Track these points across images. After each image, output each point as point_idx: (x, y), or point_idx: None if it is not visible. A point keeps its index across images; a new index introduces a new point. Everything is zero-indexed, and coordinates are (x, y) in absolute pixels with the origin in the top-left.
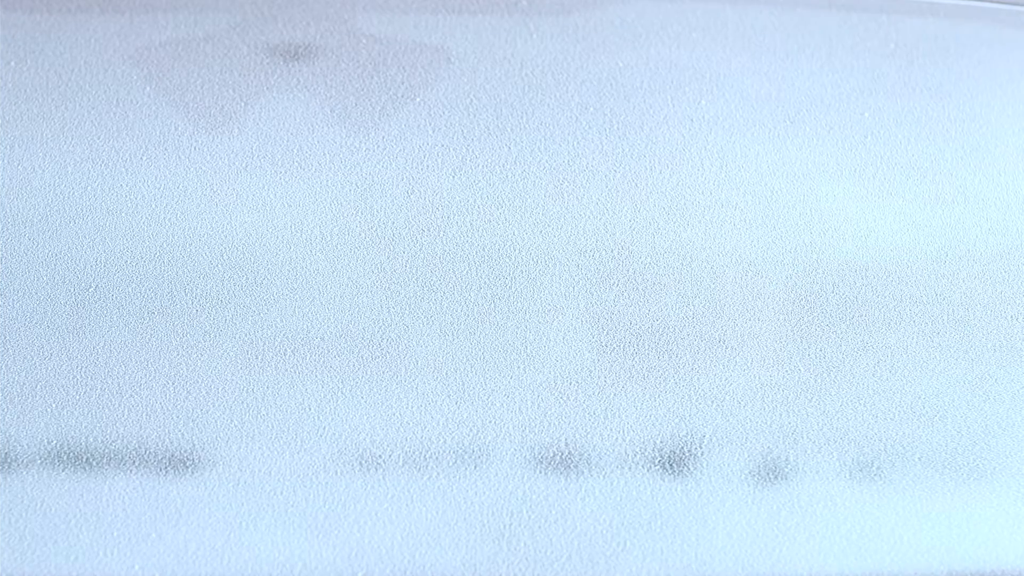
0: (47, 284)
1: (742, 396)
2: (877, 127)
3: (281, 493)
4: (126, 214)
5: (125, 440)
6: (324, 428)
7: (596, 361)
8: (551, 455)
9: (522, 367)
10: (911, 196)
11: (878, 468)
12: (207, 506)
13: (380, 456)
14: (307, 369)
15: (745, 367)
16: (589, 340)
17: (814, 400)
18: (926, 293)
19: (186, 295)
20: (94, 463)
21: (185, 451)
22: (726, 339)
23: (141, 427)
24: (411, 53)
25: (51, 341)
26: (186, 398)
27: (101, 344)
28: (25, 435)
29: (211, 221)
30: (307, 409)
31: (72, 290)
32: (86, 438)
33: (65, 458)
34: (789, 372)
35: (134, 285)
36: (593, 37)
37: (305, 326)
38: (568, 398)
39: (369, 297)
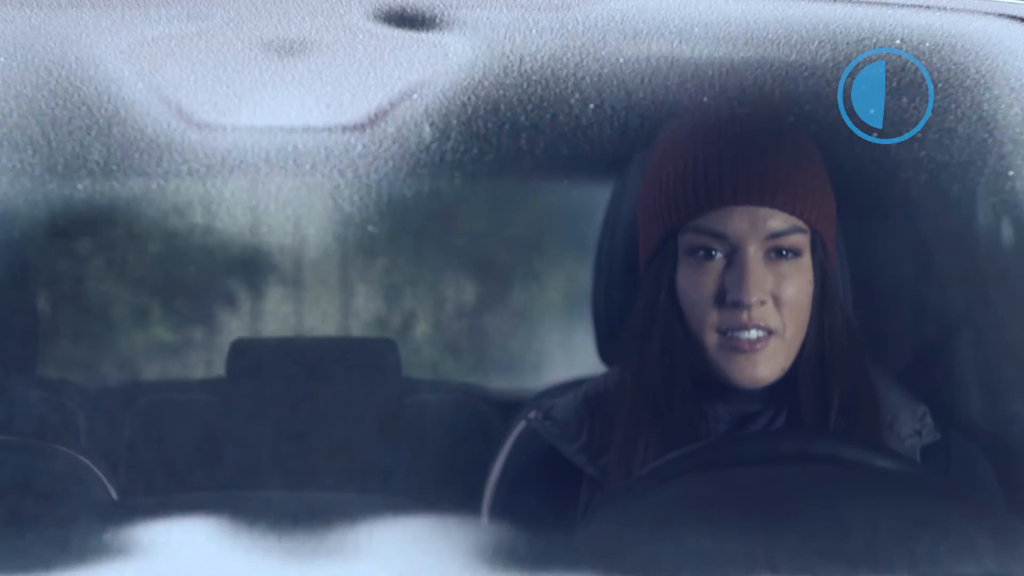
0: (37, 282)
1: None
2: (882, 123)
3: (274, 496)
4: (118, 211)
5: (118, 438)
6: (318, 426)
7: (597, 364)
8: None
9: (523, 366)
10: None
11: None
12: (200, 513)
13: (375, 459)
14: (302, 366)
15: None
16: (590, 341)
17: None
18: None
19: (179, 292)
20: (84, 464)
21: (177, 448)
22: None
23: (135, 424)
24: (408, 49)
25: (41, 339)
26: (180, 395)
27: (92, 343)
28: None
29: (204, 218)
30: (301, 407)
31: (63, 288)
32: (78, 438)
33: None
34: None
35: (126, 282)
36: (593, 32)
37: (299, 324)
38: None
39: (365, 295)
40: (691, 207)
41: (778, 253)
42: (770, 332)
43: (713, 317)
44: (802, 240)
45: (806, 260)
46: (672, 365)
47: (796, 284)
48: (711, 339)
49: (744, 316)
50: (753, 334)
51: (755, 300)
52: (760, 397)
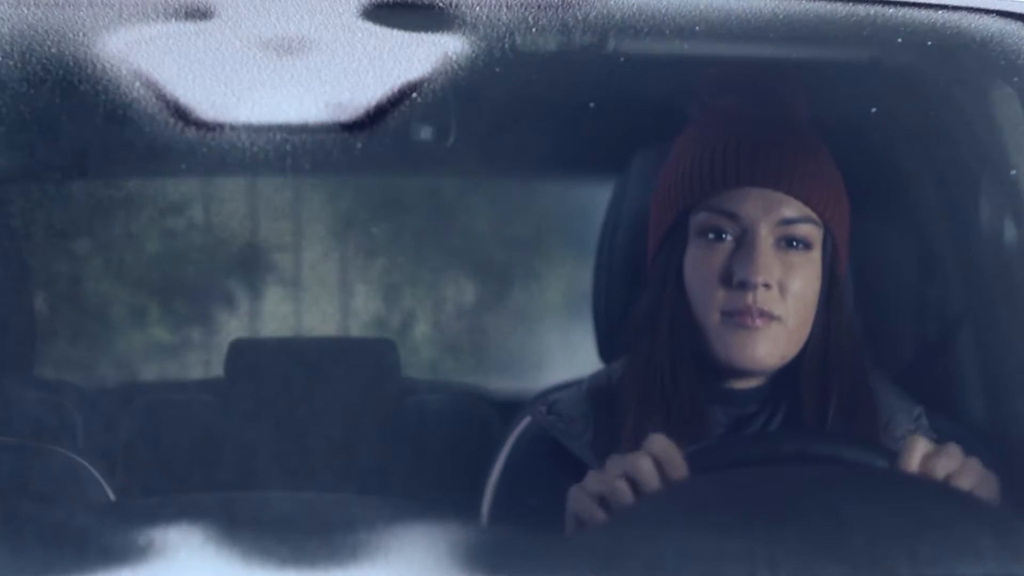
0: (34, 281)
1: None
2: (884, 122)
3: (273, 497)
4: (116, 210)
5: (115, 439)
6: (317, 427)
7: (597, 364)
8: None
9: (523, 366)
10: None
11: None
12: (198, 514)
13: (375, 460)
14: (302, 367)
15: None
16: (590, 341)
17: None
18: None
19: (177, 292)
20: (82, 465)
21: (175, 449)
22: None
23: (132, 425)
24: (407, 47)
25: (39, 339)
26: (178, 395)
27: (90, 343)
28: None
29: (202, 217)
30: (300, 408)
31: (61, 288)
32: (75, 439)
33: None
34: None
35: (124, 282)
36: (594, 30)
37: (298, 324)
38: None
39: (364, 295)
40: (706, 186)
41: (788, 243)
42: (772, 317)
43: (718, 298)
44: (813, 232)
45: (816, 255)
46: (679, 351)
47: (803, 276)
48: (715, 320)
49: (749, 297)
50: (757, 315)
51: (761, 281)
52: (758, 398)
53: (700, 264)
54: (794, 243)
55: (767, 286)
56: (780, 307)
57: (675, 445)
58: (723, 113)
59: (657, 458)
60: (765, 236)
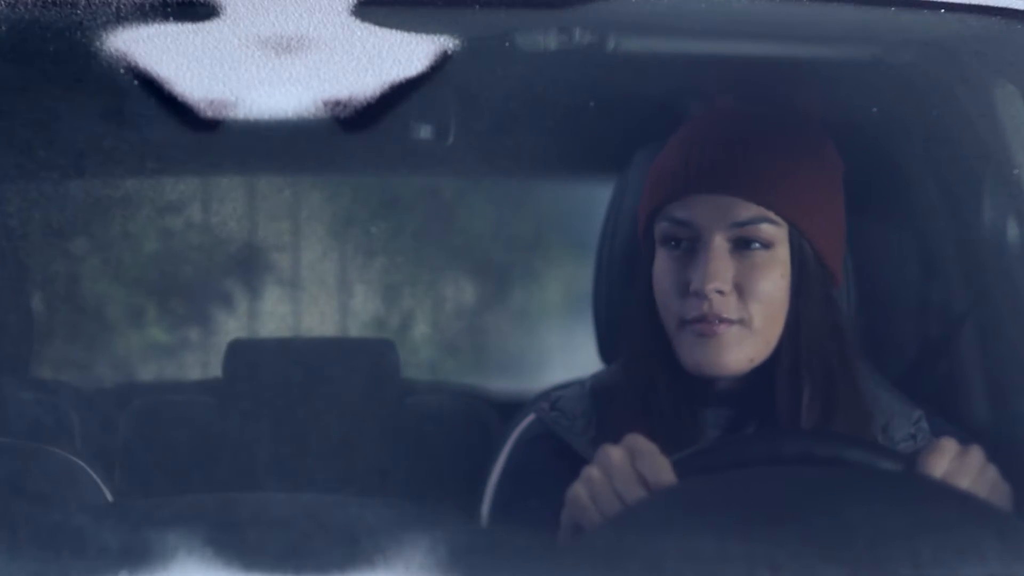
0: (31, 281)
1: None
2: (885, 121)
3: (272, 498)
4: (114, 210)
5: (113, 440)
6: (316, 428)
7: (597, 364)
8: None
9: (523, 366)
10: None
11: None
12: (196, 515)
13: (374, 461)
14: (300, 367)
15: None
16: (590, 341)
17: None
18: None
19: (175, 292)
20: (79, 466)
21: (173, 450)
22: None
23: (130, 426)
24: (407, 46)
25: (36, 339)
26: (176, 396)
27: (87, 343)
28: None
29: (200, 216)
30: (299, 408)
31: (58, 288)
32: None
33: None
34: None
35: (122, 282)
36: (594, 30)
37: (297, 324)
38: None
39: (364, 295)
40: (661, 195)
41: (746, 244)
42: (732, 321)
43: (677, 307)
44: (773, 232)
45: (780, 253)
46: (655, 358)
47: (766, 276)
48: (676, 329)
49: (704, 306)
50: (714, 321)
51: (712, 289)
52: (749, 397)
53: (662, 273)
54: (752, 244)
55: (721, 292)
56: (739, 310)
57: (648, 441)
58: (700, 117)
59: (631, 448)
60: (719, 242)
